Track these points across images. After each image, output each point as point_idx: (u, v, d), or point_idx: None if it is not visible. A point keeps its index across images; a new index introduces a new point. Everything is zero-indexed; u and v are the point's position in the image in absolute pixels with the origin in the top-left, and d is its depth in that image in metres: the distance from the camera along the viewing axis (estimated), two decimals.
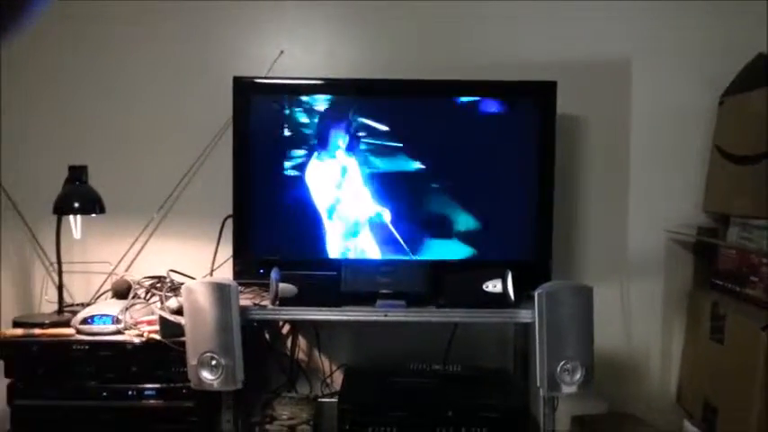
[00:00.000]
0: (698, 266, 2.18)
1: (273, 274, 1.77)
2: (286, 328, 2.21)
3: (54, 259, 1.93)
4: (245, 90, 1.90)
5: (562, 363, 1.64)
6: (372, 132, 1.92)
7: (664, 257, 2.20)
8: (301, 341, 2.22)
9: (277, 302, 1.77)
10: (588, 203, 2.20)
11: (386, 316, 1.76)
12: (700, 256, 2.17)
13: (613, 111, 2.19)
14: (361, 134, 1.92)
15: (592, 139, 2.19)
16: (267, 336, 2.19)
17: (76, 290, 2.11)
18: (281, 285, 1.77)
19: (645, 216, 2.19)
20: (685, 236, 2.16)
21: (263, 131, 1.92)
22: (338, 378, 2.16)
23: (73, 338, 1.79)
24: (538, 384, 1.66)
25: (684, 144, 2.18)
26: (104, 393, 1.77)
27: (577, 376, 1.65)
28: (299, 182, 1.92)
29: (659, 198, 2.19)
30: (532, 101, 1.91)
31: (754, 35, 2.09)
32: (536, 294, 1.65)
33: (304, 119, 1.92)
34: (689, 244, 2.19)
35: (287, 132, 1.92)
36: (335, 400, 1.91)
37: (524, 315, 1.73)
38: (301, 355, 2.22)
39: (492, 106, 1.94)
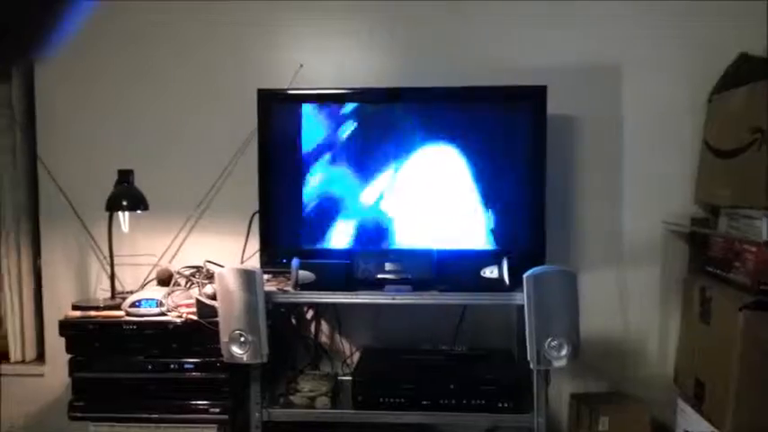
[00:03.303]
0: (692, 255, 2.31)
1: (294, 262, 1.99)
2: (310, 314, 2.44)
3: (107, 253, 2.21)
4: (268, 100, 2.14)
5: (549, 339, 1.82)
6: (382, 135, 2.14)
7: (660, 247, 2.34)
8: (324, 326, 2.44)
9: (297, 288, 2.00)
10: (586, 197, 2.35)
11: (393, 299, 1.97)
12: (694, 245, 2.31)
13: (608, 109, 2.33)
14: (371, 137, 2.14)
15: (589, 136, 2.34)
16: (294, 321, 2.43)
17: (126, 278, 2.39)
18: (301, 272, 1.99)
19: (642, 208, 2.33)
20: (680, 226, 2.30)
21: (284, 137, 2.15)
22: (357, 359, 2.38)
23: (123, 319, 2.04)
24: (528, 359, 1.84)
25: (679, 139, 2.30)
26: (150, 366, 2.02)
27: (564, 351, 1.83)
28: (316, 180, 2.15)
29: (653, 191, 2.32)
30: (526, 103, 2.09)
31: (742, 34, 2.20)
32: (525, 278, 1.83)
33: (321, 125, 2.15)
34: (683, 234, 2.32)
35: (306, 137, 2.15)
36: None
37: (518, 298, 1.90)
38: (324, 339, 2.44)
39: (490, 108, 2.13)
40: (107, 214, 2.15)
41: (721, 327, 1.96)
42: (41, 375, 2.50)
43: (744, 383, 1.83)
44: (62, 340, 2.07)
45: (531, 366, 1.85)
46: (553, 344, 1.82)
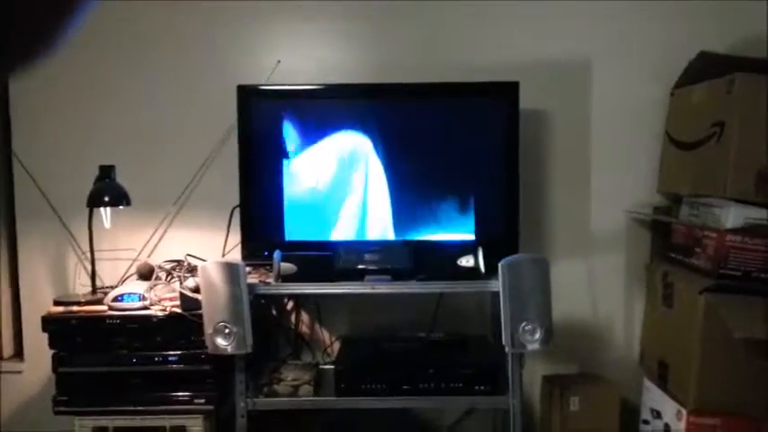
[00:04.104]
0: (654, 242, 2.43)
1: (276, 255, 2.04)
2: (290, 305, 2.48)
3: (85, 248, 2.21)
4: (248, 96, 2.17)
5: (523, 324, 1.91)
6: (360, 131, 2.19)
7: (624, 235, 2.45)
8: (304, 316, 2.49)
9: (279, 279, 2.04)
10: (555, 188, 2.45)
11: (373, 288, 2.03)
12: (656, 233, 2.42)
13: (577, 104, 2.43)
14: (350, 133, 2.19)
15: (558, 130, 2.43)
16: (274, 312, 2.48)
17: (105, 274, 2.39)
18: (283, 265, 2.04)
19: (606, 198, 2.43)
20: (643, 215, 2.41)
21: (263, 132, 2.19)
22: (337, 348, 2.43)
23: (106, 314, 2.05)
24: (503, 343, 1.93)
25: (642, 132, 2.41)
26: (134, 360, 2.04)
27: (537, 335, 1.92)
28: (295, 174, 2.20)
29: (619, 181, 2.43)
30: (500, 98, 2.17)
31: (702, 33, 2.31)
32: (500, 266, 1.91)
33: (299, 120, 2.20)
34: (646, 222, 2.44)
35: (284, 132, 2.20)
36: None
37: (493, 285, 1.98)
38: (304, 329, 2.49)
39: (465, 104, 2.20)
40: (85, 209, 2.15)
41: (683, 310, 2.08)
42: (20, 372, 2.49)
43: (705, 363, 1.95)
44: (41, 336, 2.07)
45: (506, 350, 1.93)
46: (527, 328, 1.91)
